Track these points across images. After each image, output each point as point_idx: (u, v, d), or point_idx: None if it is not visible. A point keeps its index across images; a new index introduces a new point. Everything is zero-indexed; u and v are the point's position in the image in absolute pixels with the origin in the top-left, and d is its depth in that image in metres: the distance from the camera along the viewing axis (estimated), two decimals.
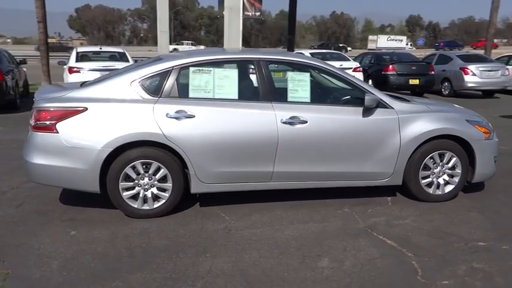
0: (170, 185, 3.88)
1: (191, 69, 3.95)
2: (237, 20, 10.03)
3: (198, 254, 3.28)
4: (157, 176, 3.85)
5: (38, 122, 3.72)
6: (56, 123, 3.69)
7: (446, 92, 13.84)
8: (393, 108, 4.16)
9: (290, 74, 4.11)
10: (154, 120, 3.75)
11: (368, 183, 4.29)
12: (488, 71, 13.36)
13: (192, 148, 3.79)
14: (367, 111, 4.10)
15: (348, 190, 4.40)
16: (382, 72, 13.29)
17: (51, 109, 3.72)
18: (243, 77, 4.05)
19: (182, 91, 3.92)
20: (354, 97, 4.18)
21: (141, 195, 3.87)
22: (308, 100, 4.07)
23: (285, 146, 3.95)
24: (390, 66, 13.22)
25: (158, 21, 13.81)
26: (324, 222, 3.90)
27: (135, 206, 3.87)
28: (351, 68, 12.60)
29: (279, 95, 4.04)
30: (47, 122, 3.70)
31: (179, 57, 4.06)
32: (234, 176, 3.96)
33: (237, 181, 4.00)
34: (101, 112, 3.73)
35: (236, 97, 3.96)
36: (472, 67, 13.33)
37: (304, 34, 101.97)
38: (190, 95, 3.91)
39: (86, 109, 3.70)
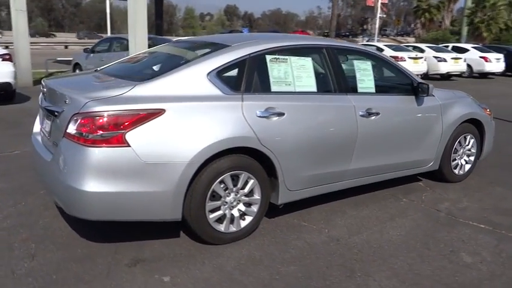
0: (259, 197, 3.21)
1: (268, 57, 3.30)
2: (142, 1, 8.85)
3: (349, 275, 2.81)
4: (246, 190, 3.14)
5: (97, 134, 2.61)
6: (125, 133, 2.65)
7: None
8: (434, 96, 4.26)
9: (356, 63, 3.82)
10: (246, 121, 3.03)
11: (414, 171, 4.33)
12: None
13: (283, 151, 3.21)
14: (419, 100, 4.11)
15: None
16: None
17: (116, 114, 2.65)
18: (317, 67, 3.57)
19: (263, 84, 3.25)
20: (406, 85, 4.13)
21: (228, 215, 3.11)
22: (373, 90, 3.86)
23: (362, 140, 3.67)
24: None
25: None
26: (406, 215, 3.79)
27: (222, 230, 3.09)
28: None
29: (350, 86, 3.72)
30: (113, 133, 2.63)
31: (249, 42, 3.34)
32: (315, 178, 3.51)
33: (317, 184, 3.56)
34: (183, 114, 2.82)
35: (315, 89, 3.49)
36: None
37: (123, 20, 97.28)
38: (273, 88, 3.27)
39: (162, 111, 2.75)
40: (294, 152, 3.27)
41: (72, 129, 2.68)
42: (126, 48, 10.97)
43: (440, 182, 4.63)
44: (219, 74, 3.05)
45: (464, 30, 40.72)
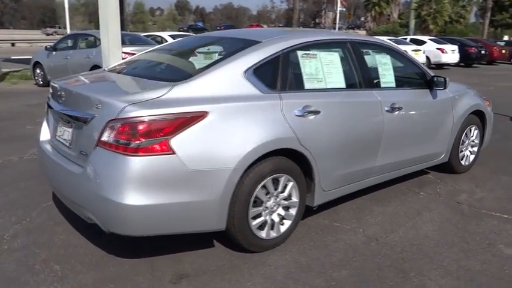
0: (297, 200, 3.07)
1: (299, 53, 3.15)
2: None
3: (403, 276, 2.73)
4: (286, 193, 2.99)
5: (139, 142, 2.36)
6: (170, 139, 2.41)
7: None
8: (446, 89, 4.28)
9: (378, 58, 3.74)
10: (286, 121, 2.87)
11: (428, 165, 4.34)
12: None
13: (319, 151, 3.08)
14: (433, 93, 4.11)
15: None
16: None
17: (158, 118, 2.40)
18: (343, 62, 3.46)
19: (297, 81, 3.10)
20: (421, 79, 4.12)
21: (269, 221, 2.95)
22: (394, 85, 3.81)
23: (387, 136, 3.62)
24: None
25: None
26: (430, 209, 3.77)
27: (263, 237, 2.92)
28: (217, 52, 12.18)
29: (374, 81, 3.64)
30: (156, 139, 2.39)
31: (280, 38, 3.17)
32: (347, 177, 3.42)
33: (348, 182, 3.47)
34: (226, 116, 2.62)
35: (344, 85, 3.38)
36: None
37: (72, 15, 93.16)
38: (306, 85, 3.13)
39: (205, 114, 2.53)
40: (328, 151, 3.16)
41: (108, 137, 2.41)
42: (93, 45, 10.42)
43: (448, 173, 4.68)
44: (255, 72, 2.87)
45: (412, 23, 42.29)
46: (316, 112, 3.04)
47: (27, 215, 3.48)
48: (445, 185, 4.39)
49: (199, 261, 2.84)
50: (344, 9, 48.34)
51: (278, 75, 2.98)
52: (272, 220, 2.96)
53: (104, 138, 2.43)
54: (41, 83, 11.42)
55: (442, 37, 24.65)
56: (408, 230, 3.37)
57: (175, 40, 3.86)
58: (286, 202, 3.02)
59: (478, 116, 4.73)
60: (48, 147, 3.10)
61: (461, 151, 4.64)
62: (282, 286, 2.59)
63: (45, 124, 3.26)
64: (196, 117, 2.49)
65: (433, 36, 25.43)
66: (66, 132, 2.84)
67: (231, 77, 2.78)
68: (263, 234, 2.91)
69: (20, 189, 4.01)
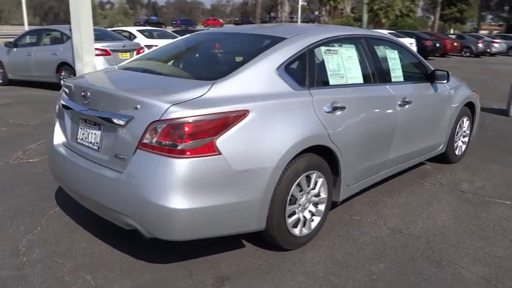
0: (325, 196, 3.08)
1: (322, 49, 3.14)
2: None
3: (437, 265, 2.81)
4: (316, 189, 3.00)
5: (186, 143, 2.27)
6: (215, 140, 2.34)
7: None
8: (448, 82, 4.41)
9: (387, 52, 3.81)
10: (318, 118, 2.87)
11: (430, 156, 4.48)
12: None
13: (345, 146, 3.11)
14: (435, 86, 4.24)
15: None
16: None
17: (203, 118, 2.32)
18: (360, 57, 3.48)
19: (323, 77, 3.10)
20: (423, 73, 4.23)
21: (301, 218, 2.94)
22: (402, 79, 3.89)
23: (399, 129, 3.70)
24: (217, 45, 13.20)
25: None
26: (440, 199, 3.90)
27: (297, 234, 2.91)
28: None
29: (386, 76, 3.70)
30: (203, 140, 2.31)
31: (304, 34, 3.14)
32: (366, 171, 3.47)
33: (367, 176, 3.52)
34: (265, 114, 2.57)
35: (362, 81, 3.42)
36: None
37: (15, 9, 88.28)
38: (331, 81, 3.13)
39: (247, 112, 2.47)
40: (352, 146, 3.18)
41: (151, 139, 2.31)
42: (60, 41, 9.95)
43: (442, 164, 4.86)
44: (286, 69, 2.84)
45: (365, 17, 43.47)
46: (342, 108, 3.05)
47: (36, 223, 3.27)
48: (445, 175, 4.56)
49: (234, 263, 2.79)
50: (305, 4, 48.89)
51: (306, 72, 2.96)
52: (304, 217, 2.96)
53: (146, 140, 2.32)
54: (1, 81, 10.76)
55: (400, 31, 25.48)
56: (425, 220, 3.47)
57: (186, 36, 3.71)
58: (316, 199, 3.02)
59: (468, 107, 4.94)
60: (64, 151, 2.92)
61: (455, 142, 4.83)
62: (325, 282, 2.59)
63: (57, 127, 3.07)
64: (238, 116, 2.43)
65: (385, 30, 26.24)
66: (91, 135, 2.68)
67: (265, 74, 2.73)
68: (297, 231, 2.90)
69: (18, 196, 3.77)
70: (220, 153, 2.35)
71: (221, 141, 2.35)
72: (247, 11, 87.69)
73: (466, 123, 4.94)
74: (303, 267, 2.75)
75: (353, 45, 3.45)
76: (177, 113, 2.28)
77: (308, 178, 2.89)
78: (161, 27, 26.49)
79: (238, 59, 2.91)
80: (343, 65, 3.26)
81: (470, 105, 4.94)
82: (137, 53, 10.17)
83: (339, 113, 3.03)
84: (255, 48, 3.00)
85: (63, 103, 2.93)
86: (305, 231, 2.97)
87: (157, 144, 2.29)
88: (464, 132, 4.99)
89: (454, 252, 2.99)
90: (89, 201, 2.71)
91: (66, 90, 2.94)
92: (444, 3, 41.44)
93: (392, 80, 3.75)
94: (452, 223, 3.43)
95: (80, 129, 2.80)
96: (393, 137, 3.64)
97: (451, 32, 44.89)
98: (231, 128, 2.40)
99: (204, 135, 2.31)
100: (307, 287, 2.54)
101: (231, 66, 2.74)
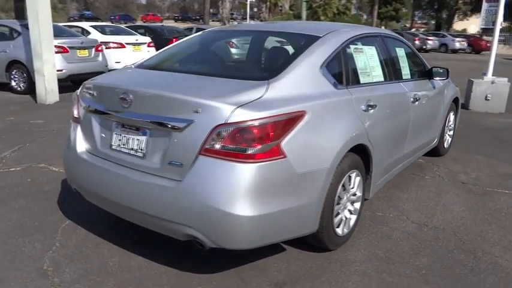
0: (360, 194, 3.09)
1: (351, 47, 3.14)
2: None
3: (473, 256, 2.92)
4: (355, 188, 3.00)
5: (255, 147, 2.16)
6: (281, 142, 2.26)
7: None
8: (447, 78, 4.60)
9: (398, 50, 3.89)
10: (358, 116, 2.87)
11: (427, 150, 4.65)
12: (245, 43, 15.04)
13: (376, 144, 3.13)
14: (433, 83, 4.41)
15: None
16: None
17: (269, 121, 2.22)
18: (379, 55, 3.51)
19: (355, 76, 3.09)
20: (422, 70, 4.38)
21: (343, 217, 2.93)
22: (409, 77, 4.00)
23: (412, 125, 3.81)
24: (174, 40, 12.85)
25: None
26: (446, 191, 4.07)
27: (340, 234, 2.90)
28: (146, 43, 11.49)
29: (399, 73, 3.79)
30: (270, 144, 2.22)
31: (334, 32, 3.10)
32: (387, 167, 3.53)
33: (387, 172, 3.57)
34: (318, 115, 2.50)
35: (383, 79, 3.46)
36: (234, 40, 14.67)
37: None
38: (361, 80, 3.14)
39: (304, 113, 2.41)
40: (381, 143, 3.22)
41: (216, 144, 2.17)
42: (10, 37, 9.16)
43: (432, 157, 5.07)
44: (327, 68, 2.80)
45: (304, 14, 44.44)
46: (374, 106, 3.08)
47: (51, 239, 2.99)
48: (440, 168, 4.76)
49: (283, 267, 2.72)
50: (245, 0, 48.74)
51: (342, 71, 2.95)
52: (345, 217, 2.95)
53: (210, 145, 2.18)
54: None
55: None
56: (443, 212, 3.60)
57: (203, 34, 3.51)
58: (354, 197, 3.02)
59: (454, 103, 5.19)
60: (93, 159, 2.67)
61: (444, 135, 5.06)
62: (380, 281, 2.60)
63: (79, 133, 2.80)
64: (298, 118, 2.36)
65: None
66: (133, 141, 2.48)
67: (311, 73, 2.67)
68: (339, 231, 2.89)
69: (16, 211, 3.42)
70: (285, 156, 2.27)
71: (285, 144, 2.27)
72: (185, 7, 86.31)
73: (451, 117, 5.19)
74: (353, 267, 2.74)
75: (373, 44, 3.49)
76: (243, 115, 2.17)
77: (349, 177, 2.88)
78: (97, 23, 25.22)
79: (280, 58, 2.82)
80: (368, 63, 3.29)
81: (455, 101, 5.19)
82: (96, 50, 9.64)
83: (371, 111, 3.05)
84: (292, 47, 2.93)
85: (91, 106, 2.68)
86: (345, 230, 2.97)
87: (223, 149, 2.17)
88: (451, 126, 5.24)
89: (482, 242, 3.13)
90: (131, 213, 2.51)
91: (92, 92, 2.69)
92: (381, 1, 43.38)
93: (403, 77, 3.84)
94: (468, 214, 3.59)
95: (114, 135, 2.58)
96: (407, 133, 3.74)
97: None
98: (293, 129, 2.32)
99: (271, 138, 2.22)
100: (365, 287, 2.54)
101: (277, 66, 2.66)
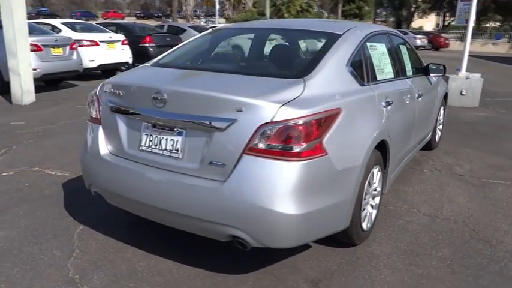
0: (380, 189, 3.15)
1: (367, 44, 3.19)
2: None
3: (490, 246, 3.04)
4: (376, 184, 3.05)
5: (301, 146, 2.16)
6: (322, 140, 2.27)
7: None
8: (444, 75, 4.74)
9: (402, 47, 3.97)
10: (380, 113, 2.92)
11: (422, 145, 4.79)
12: None
13: (393, 139, 3.21)
14: (429, 79, 4.55)
15: None
16: (140, 45, 12.44)
17: (311, 119, 2.22)
18: (389, 52, 3.58)
19: (373, 73, 3.14)
20: (419, 66, 4.50)
21: (367, 212, 2.97)
22: (412, 73, 4.10)
23: (417, 120, 3.92)
24: (147, 38, 12.54)
25: None
26: (447, 184, 4.21)
27: (364, 228, 2.95)
28: (120, 41, 11.17)
29: (405, 70, 3.88)
30: (314, 141, 2.22)
31: (351, 29, 3.12)
32: (398, 162, 3.61)
33: (397, 167, 3.66)
34: (351, 112, 2.52)
35: (393, 76, 3.54)
36: None
37: None
38: (378, 77, 3.19)
39: (340, 111, 2.43)
40: (396, 138, 3.30)
41: (261, 142, 2.15)
42: None
43: (424, 150, 5.23)
44: (352, 65, 2.83)
45: (268, 11, 44.58)
46: (391, 102, 3.14)
47: (69, 246, 2.87)
48: (434, 161, 4.92)
49: (314, 264, 2.74)
50: None
51: (363, 68, 2.98)
52: (368, 211, 3.00)
53: (255, 144, 2.16)
54: None
55: None
56: (450, 204, 3.72)
57: (217, 31, 3.43)
58: (375, 192, 3.07)
59: (443, 98, 5.38)
60: (120, 161, 2.58)
61: (436, 129, 5.23)
62: (411, 273, 2.66)
63: (101, 134, 2.70)
64: (335, 115, 2.38)
65: None
66: (167, 142, 2.41)
67: (340, 70, 2.70)
68: (364, 226, 2.93)
69: (23, 217, 3.26)
70: (326, 154, 2.28)
71: (326, 141, 2.28)
72: (147, 4, 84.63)
73: (442, 112, 5.37)
74: (381, 261, 2.80)
75: (383, 41, 3.56)
76: (288, 113, 2.16)
77: (372, 173, 2.93)
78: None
79: (307, 55, 2.83)
80: (382, 60, 3.35)
81: (445, 96, 5.38)
82: (70, 48, 9.30)
83: (389, 107, 3.11)
84: (315, 44, 2.94)
85: (116, 106, 2.58)
86: (368, 225, 3.02)
87: (268, 148, 2.15)
88: (441, 120, 5.42)
89: (494, 231, 3.26)
90: (167, 215, 2.44)
91: (118, 92, 2.59)
92: None
93: (407, 74, 3.94)
94: (473, 204, 3.73)
95: (144, 135, 2.50)
96: (413, 128, 3.84)
97: None
98: (331, 127, 2.34)
99: (315, 135, 2.22)
100: (398, 280, 2.59)
101: (307, 63, 2.66)
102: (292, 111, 2.17)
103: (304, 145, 2.17)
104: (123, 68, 11.99)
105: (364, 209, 2.87)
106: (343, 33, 3.02)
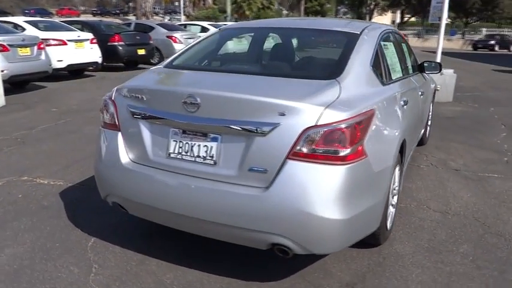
0: (398, 188, 3.17)
1: (381, 44, 3.19)
2: None
3: (504, 239, 3.13)
4: (397, 182, 3.06)
5: (346, 149, 2.12)
6: (363, 142, 2.24)
7: (156, 60, 14.19)
8: (439, 72, 4.82)
9: (404, 46, 4.01)
10: (401, 112, 2.93)
11: (418, 140, 4.87)
12: (189, 38, 14.70)
13: (408, 138, 3.23)
14: (424, 76, 4.63)
15: None
16: (109, 43, 12.00)
17: (353, 122, 2.18)
18: (396, 51, 3.59)
19: (388, 72, 3.13)
20: (416, 64, 4.57)
21: (390, 211, 2.98)
22: (412, 71, 4.16)
23: (419, 117, 3.97)
24: (116, 37, 12.12)
25: None
26: (447, 179, 4.29)
27: (388, 228, 2.95)
28: (88, 40, 10.71)
29: (408, 68, 3.92)
30: (357, 144, 2.18)
31: (366, 28, 3.11)
32: (407, 159, 3.65)
33: (407, 162, 3.70)
34: (382, 112, 2.51)
35: (401, 74, 3.56)
36: (177, 35, 14.28)
37: None
38: (393, 76, 3.20)
39: (374, 112, 2.40)
40: (409, 137, 3.32)
41: (306, 147, 2.09)
42: None
43: (416, 146, 5.34)
44: (374, 65, 2.81)
45: (229, 8, 44.52)
46: (407, 101, 3.16)
47: (85, 261, 2.70)
48: (428, 157, 5.03)
49: (344, 267, 2.71)
50: None
51: (381, 67, 2.98)
52: (390, 211, 3.00)
53: (299, 149, 2.09)
54: None
55: None
56: (455, 199, 3.80)
57: (228, 30, 3.30)
58: (395, 191, 3.08)
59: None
60: (146, 170, 2.44)
61: (427, 125, 5.35)
62: (440, 271, 2.68)
63: (120, 141, 2.54)
64: (370, 117, 2.35)
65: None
66: (199, 148, 2.30)
67: (366, 71, 2.67)
68: (388, 225, 2.93)
69: (27, 231, 3.05)
70: (367, 156, 2.25)
71: (366, 144, 2.25)
72: (103, 0, 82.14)
73: (431, 108, 5.50)
74: (407, 260, 2.80)
75: (391, 40, 3.58)
76: (332, 116, 2.11)
77: (394, 172, 2.94)
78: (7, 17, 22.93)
79: (332, 55, 2.78)
80: (392, 59, 3.36)
81: (434, 92, 5.51)
82: (38, 48, 8.83)
83: (405, 106, 3.13)
84: (337, 44, 2.90)
85: (139, 111, 2.44)
86: (390, 224, 3.02)
87: (313, 152, 2.09)
88: (429, 116, 5.55)
89: (504, 224, 3.35)
90: (202, 225, 2.33)
91: (140, 96, 2.44)
92: None
93: (409, 72, 3.99)
94: (477, 199, 3.83)
95: (173, 142, 2.37)
96: (418, 125, 3.90)
97: None
98: (369, 129, 2.31)
99: (358, 138, 2.19)
100: (430, 279, 2.61)
101: (335, 64, 2.62)
102: (335, 114, 2.12)
103: (349, 148, 2.13)
104: (90, 68, 11.57)
105: (388, 209, 2.87)
106: (360, 33, 3.00)
